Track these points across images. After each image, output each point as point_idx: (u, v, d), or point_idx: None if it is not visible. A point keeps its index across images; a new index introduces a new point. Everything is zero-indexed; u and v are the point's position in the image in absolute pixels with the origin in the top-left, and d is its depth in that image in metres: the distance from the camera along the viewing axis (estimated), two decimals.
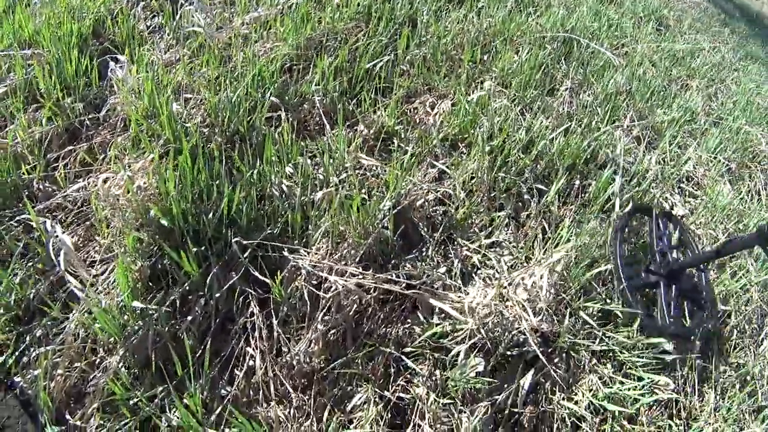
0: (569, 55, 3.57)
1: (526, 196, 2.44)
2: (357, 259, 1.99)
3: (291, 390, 1.77)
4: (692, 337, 2.13)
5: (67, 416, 1.71)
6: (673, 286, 2.21)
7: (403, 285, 1.96)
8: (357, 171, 2.30)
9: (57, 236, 1.84)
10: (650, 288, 2.26)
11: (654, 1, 5.60)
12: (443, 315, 1.93)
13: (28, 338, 1.84)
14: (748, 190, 3.18)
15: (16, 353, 1.81)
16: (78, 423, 1.68)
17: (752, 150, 3.56)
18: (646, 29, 4.65)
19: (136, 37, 2.82)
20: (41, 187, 2.21)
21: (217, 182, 2.04)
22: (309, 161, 2.26)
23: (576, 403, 1.90)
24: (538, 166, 2.56)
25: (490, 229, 2.27)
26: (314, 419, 1.74)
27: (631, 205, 2.53)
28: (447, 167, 2.46)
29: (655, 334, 2.06)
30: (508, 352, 1.92)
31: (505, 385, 1.85)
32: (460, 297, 1.95)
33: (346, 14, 3.10)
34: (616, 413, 1.89)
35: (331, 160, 2.24)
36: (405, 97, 2.83)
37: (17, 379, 1.78)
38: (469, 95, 2.78)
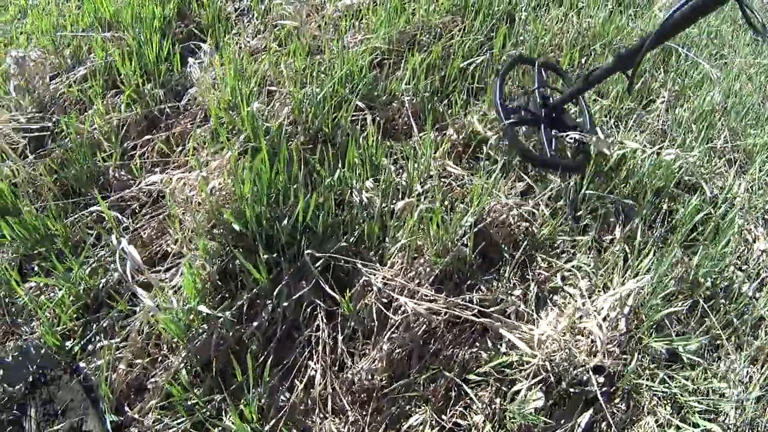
0: (667, 63, 3.46)
1: (611, 219, 2.38)
2: (431, 279, 1.98)
3: (348, 405, 1.79)
4: (573, 169, 2.44)
5: (127, 408, 1.79)
6: (553, 126, 2.48)
7: (475, 311, 1.95)
8: (441, 180, 2.29)
9: (123, 249, 1.92)
10: (531, 125, 2.54)
11: (755, 3, 5.32)
12: (511, 344, 1.91)
13: (94, 327, 1.94)
14: None
15: (83, 341, 1.92)
16: (136, 416, 1.76)
17: None
18: (744, 39, 4.44)
19: (222, 21, 2.89)
20: (116, 175, 2.30)
21: (295, 186, 2.05)
22: (392, 167, 2.27)
23: None
24: (627, 186, 2.49)
25: (572, 252, 2.23)
26: None
27: (514, 54, 2.85)
28: (534, 182, 2.41)
29: (538, 168, 2.46)
30: (570, 389, 1.89)
31: (562, 421, 1.83)
32: (531, 328, 1.93)
33: (443, 7, 3.06)
34: None
35: (416, 166, 2.23)
36: None
37: (82, 365, 1.88)
38: None
